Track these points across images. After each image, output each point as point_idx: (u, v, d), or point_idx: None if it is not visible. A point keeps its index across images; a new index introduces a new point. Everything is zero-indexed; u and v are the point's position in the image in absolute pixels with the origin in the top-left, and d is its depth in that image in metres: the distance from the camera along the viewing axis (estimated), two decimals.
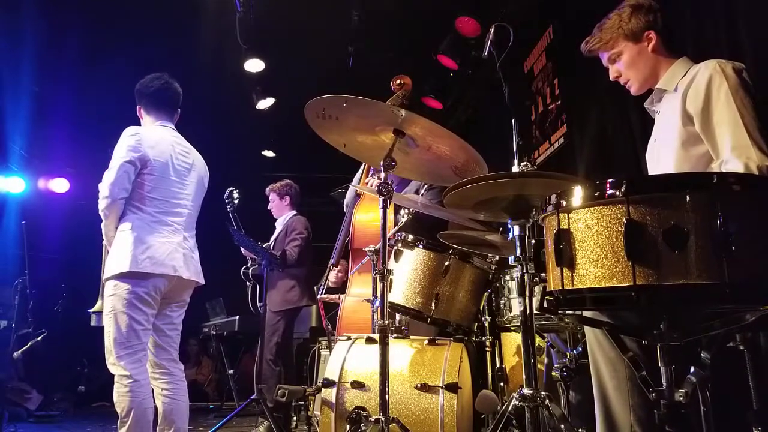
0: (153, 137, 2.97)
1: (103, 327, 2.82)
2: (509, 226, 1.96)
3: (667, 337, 1.40)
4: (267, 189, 5.26)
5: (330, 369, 2.58)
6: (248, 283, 4.96)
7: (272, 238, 5.09)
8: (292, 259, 4.78)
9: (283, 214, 5.20)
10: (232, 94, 6.15)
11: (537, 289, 1.92)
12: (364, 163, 4.10)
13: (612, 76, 2.25)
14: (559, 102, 4.40)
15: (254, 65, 5.50)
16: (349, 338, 2.73)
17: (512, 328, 2.89)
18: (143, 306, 2.80)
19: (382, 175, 2.23)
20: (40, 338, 5.84)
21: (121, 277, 2.77)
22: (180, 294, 3.05)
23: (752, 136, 1.81)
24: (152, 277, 2.81)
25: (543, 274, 1.71)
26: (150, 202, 2.90)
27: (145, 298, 2.80)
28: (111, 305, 2.77)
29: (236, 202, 4.69)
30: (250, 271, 4.86)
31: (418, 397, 2.41)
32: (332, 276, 4.54)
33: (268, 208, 5.26)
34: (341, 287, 4.55)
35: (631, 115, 3.31)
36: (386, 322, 2.08)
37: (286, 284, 4.79)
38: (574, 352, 2.56)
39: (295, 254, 4.79)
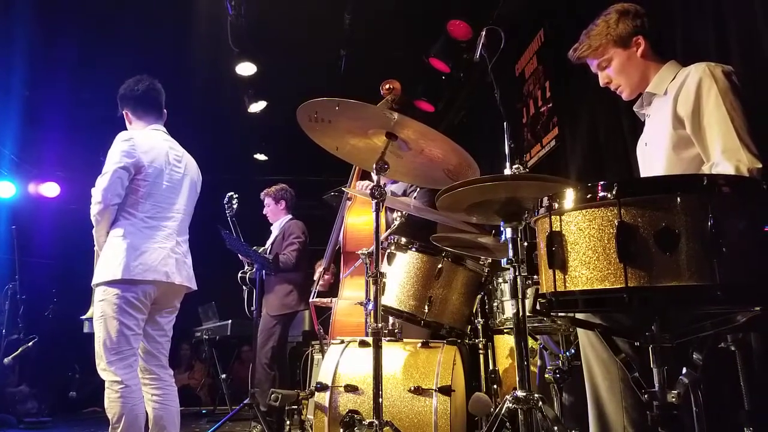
0: (147, 142, 2.96)
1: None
2: (502, 228, 1.96)
3: (659, 339, 1.40)
4: (262, 193, 5.25)
5: (323, 373, 2.58)
6: (245, 288, 4.94)
7: (268, 243, 5.09)
8: (290, 263, 4.77)
9: (278, 219, 5.19)
10: (224, 97, 6.14)
11: (530, 292, 1.92)
12: (355, 166, 4.10)
13: (602, 82, 2.25)
14: (551, 105, 4.41)
15: (246, 68, 5.50)
16: (342, 342, 2.73)
17: (505, 331, 2.90)
18: (133, 311, 2.78)
19: (375, 178, 2.23)
20: (30, 344, 5.81)
21: (111, 282, 2.75)
22: (171, 300, 3.03)
23: (742, 138, 1.82)
24: (143, 282, 2.79)
25: (535, 277, 1.71)
26: (143, 208, 2.88)
27: (135, 304, 2.78)
28: (101, 310, 2.75)
29: (235, 207, 4.70)
30: (247, 275, 4.85)
31: (412, 400, 2.41)
32: (321, 280, 4.55)
33: (264, 212, 5.25)
34: (330, 290, 4.56)
35: (621, 117, 3.32)
36: (379, 325, 2.08)
37: (283, 289, 4.79)
38: (567, 354, 2.57)
39: (293, 258, 4.79)
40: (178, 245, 2.99)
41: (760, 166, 1.79)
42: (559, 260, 1.41)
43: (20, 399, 5.99)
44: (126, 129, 3.10)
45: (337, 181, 4.63)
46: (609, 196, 1.33)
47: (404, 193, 3.79)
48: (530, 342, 2.80)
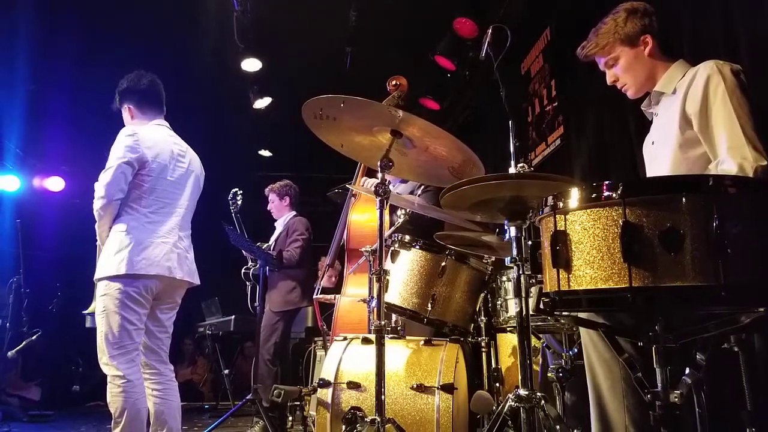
0: (151, 137, 2.96)
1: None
2: (506, 227, 1.96)
3: (662, 339, 1.40)
4: (267, 189, 5.25)
5: (326, 369, 2.58)
6: (248, 283, 4.95)
7: (272, 239, 5.09)
8: (293, 259, 4.78)
9: (282, 215, 5.20)
10: (230, 93, 6.13)
11: (533, 290, 1.92)
12: (360, 163, 4.10)
13: (609, 80, 2.25)
14: (556, 103, 4.41)
15: (251, 65, 5.49)
16: (345, 338, 2.73)
17: (508, 329, 2.90)
18: (135, 306, 2.79)
19: (380, 175, 2.23)
20: (34, 337, 5.83)
21: (114, 277, 2.75)
22: (171, 295, 3.03)
23: (748, 136, 1.82)
24: (146, 277, 2.80)
25: (539, 276, 1.71)
26: (146, 203, 2.89)
27: (137, 298, 2.79)
28: (103, 305, 2.76)
29: (239, 203, 4.70)
30: (251, 271, 4.86)
31: (414, 398, 2.41)
32: (325, 278, 4.56)
33: (268, 208, 5.25)
34: (335, 287, 4.56)
35: (627, 116, 3.31)
36: (382, 322, 2.09)
37: (287, 285, 4.79)
38: (570, 353, 2.57)
39: (296, 255, 4.79)
40: (181, 240, 2.99)
41: (765, 163, 1.78)
42: (563, 259, 1.41)
43: (24, 393, 6.03)
44: (123, 124, 3.10)
45: (341, 178, 4.63)
46: (614, 195, 1.32)
47: (411, 195, 3.79)
48: (533, 341, 2.80)
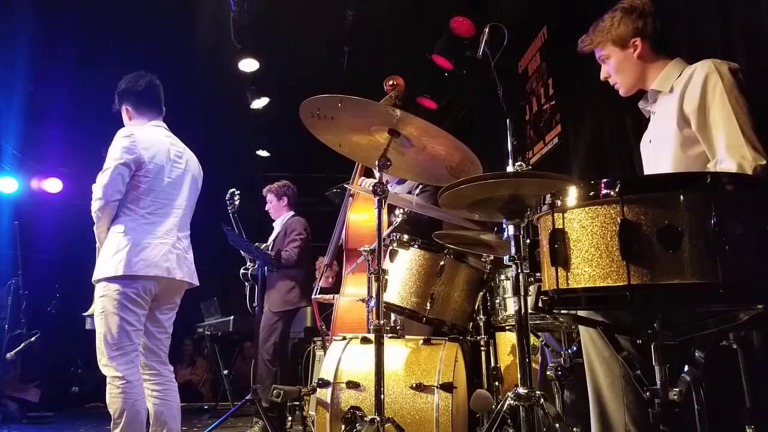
0: (148, 138, 2.96)
1: None
2: (504, 225, 1.96)
3: (661, 337, 1.40)
4: (264, 190, 5.25)
5: (325, 369, 2.58)
6: (247, 284, 4.95)
7: (271, 239, 5.09)
8: (291, 260, 4.78)
9: (281, 215, 5.19)
10: (227, 93, 6.13)
11: (532, 289, 1.92)
12: (357, 162, 4.10)
13: (602, 76, 2.28)
14: (554, 102, 4.41)
15: (249, 65, 5.48)
16: (344, 338, 2.73)
17: (507, 328, 2.89)
18: (134, 307, 2.78)
19: (378, 174, 2.23)
20: (33, 339, 5.83)
21: (112, 278, 2.75)
22: (171, 296, 3.03)
23: (746, 135, 1.82)
24: (144, 278, 2.80)
25: (538, 274, 1.71)
26: (144, 204, 2.88)
27: (136, 299, 2.79)
28: (102, 306, 2.76)
29: (237, 203, 4.70)
30: (249, 272, 4.86)
31: (414, 397, 2.41)
32: (322, 278, 4.56)
33: (266, 208, 5.25)
34: (334, 287, 4.57)
35: (625, 114, 3.32)
36: (381, 322, 2.09)
37: (286, 285, 4.79)
38: (569, 351, 2.57)
39: (294, 255, 4.79)
40: (179, 241, 2.99)
41: (764, 162, 1.78)
42: (561, 257, 1.41)
43: (23, 394, 6.02)
44: (123, 124, 3.10)
45: (339, 178, 4.64)
46: (612, 193, 1.32)
47: (409, 194, 3.79)
48: (532, 339, 2.80)
